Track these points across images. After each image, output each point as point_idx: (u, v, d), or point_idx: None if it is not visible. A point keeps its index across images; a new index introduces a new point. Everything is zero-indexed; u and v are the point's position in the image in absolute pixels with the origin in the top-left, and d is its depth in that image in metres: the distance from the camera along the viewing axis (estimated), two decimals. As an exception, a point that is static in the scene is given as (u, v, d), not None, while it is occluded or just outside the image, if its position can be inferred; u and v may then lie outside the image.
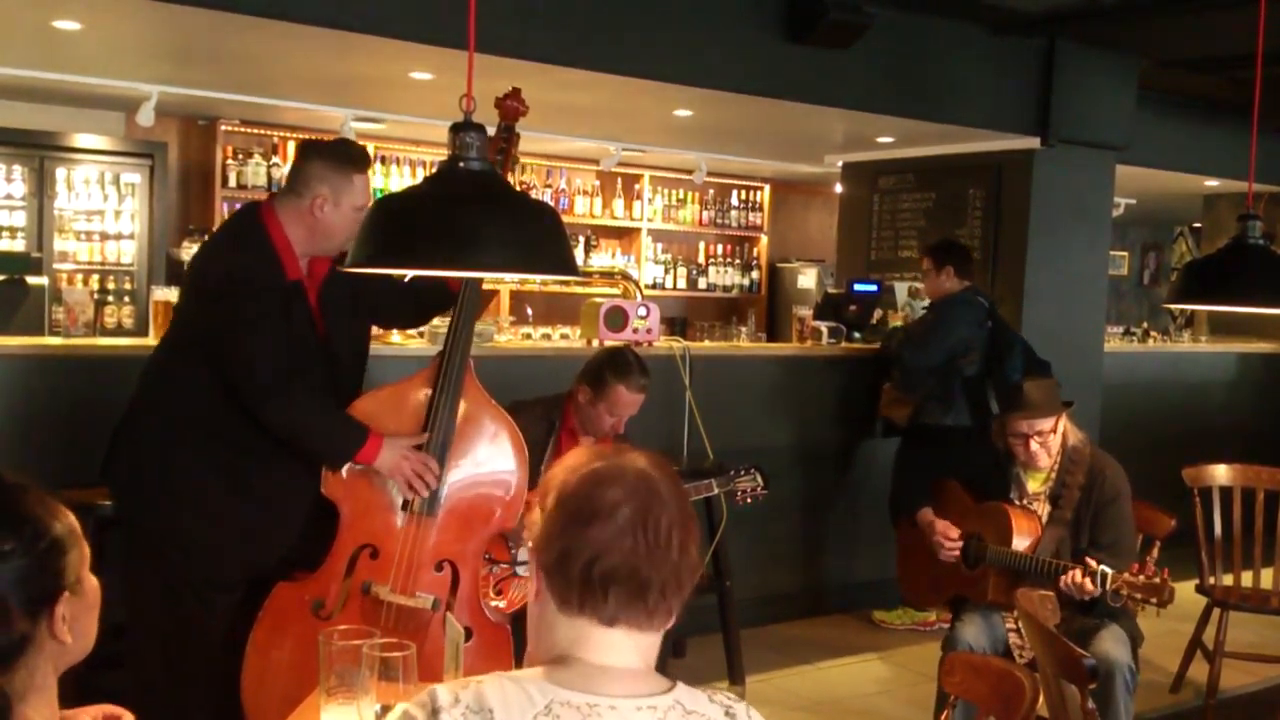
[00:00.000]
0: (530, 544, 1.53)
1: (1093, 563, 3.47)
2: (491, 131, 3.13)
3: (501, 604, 3.52)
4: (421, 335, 4.70)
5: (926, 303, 5.98)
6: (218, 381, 3.08)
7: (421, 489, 3.10)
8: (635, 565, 1.45)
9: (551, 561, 1.48)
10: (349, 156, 3.18)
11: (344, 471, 3.12)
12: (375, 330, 4.66)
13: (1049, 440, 3.75)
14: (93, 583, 1.52)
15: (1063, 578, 3.49)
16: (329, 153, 3.19)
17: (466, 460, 3.20)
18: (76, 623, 1.47)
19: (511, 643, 3.21)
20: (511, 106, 3.20)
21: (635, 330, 4.94)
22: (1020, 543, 3.73)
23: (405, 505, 3.15)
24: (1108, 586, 3.39)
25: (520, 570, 3.58)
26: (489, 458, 3.24)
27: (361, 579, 3.12)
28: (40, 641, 1.42)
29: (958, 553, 3.95)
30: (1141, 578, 3.33)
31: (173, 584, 3.12)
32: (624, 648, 1.48)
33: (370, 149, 7.47)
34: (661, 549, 1.46)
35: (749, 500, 4.33)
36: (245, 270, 3.07)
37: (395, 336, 4.59)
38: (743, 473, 4.31)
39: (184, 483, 3.11)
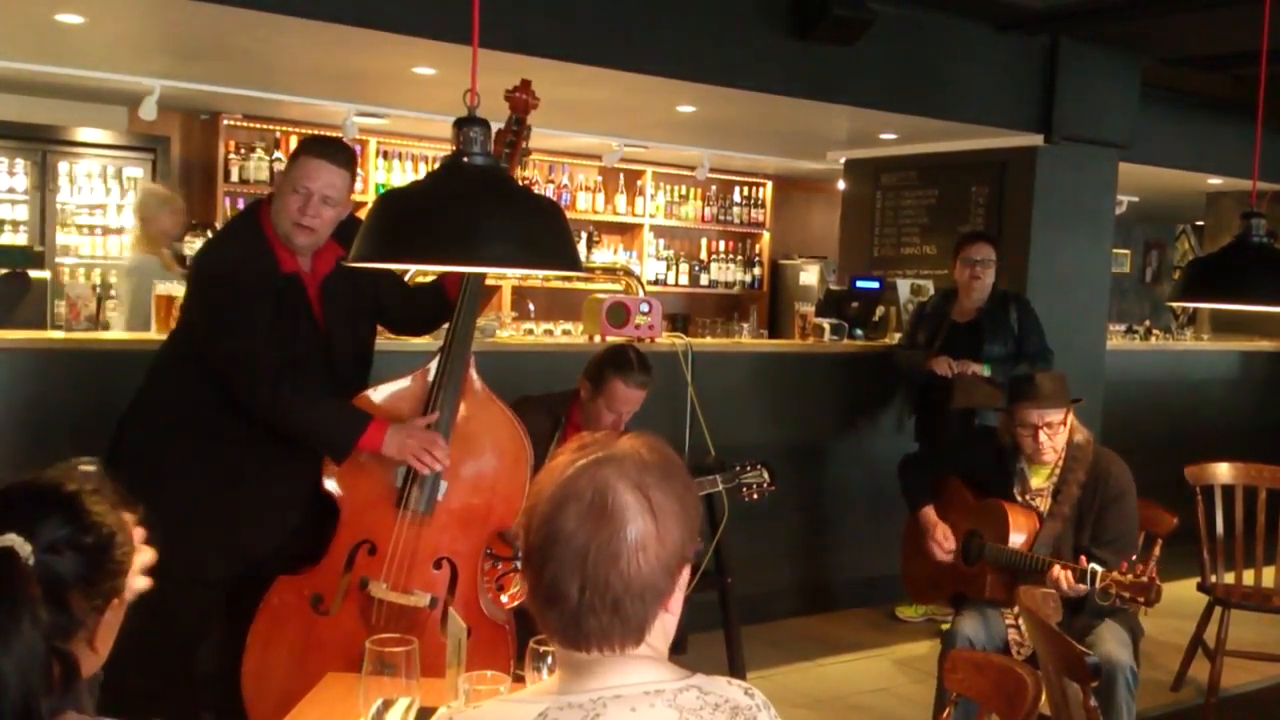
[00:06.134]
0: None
1: (1083, 560, 3.48)
2: (502, 124, 3.14)
3: (505, 598, 3.51)
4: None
5: (928, 299, 5.93)
6: (209, 377, 3.09)
7: (432, 464, 3.05)
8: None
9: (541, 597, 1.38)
10: (303, 143, 3.24)
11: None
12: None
13: (1057, 433, 3.75)
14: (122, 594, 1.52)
15: (1051, 574, 3.50)
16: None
17: (466, 457, 3.17)
18: (110, 630, 1.46)
19: (511, 642, 3.18)
20: (521, 99, 3.19)
21: (637, 326, 4.94)
22: (1017, 539, 3.74)
23: (401, 501, 3.11)
24: (1096, 585, 3.39)
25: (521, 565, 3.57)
26: (489, 455, 3.21)
27: (360, 575, 3.11)
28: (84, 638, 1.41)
29: (950, 559, 3.99)
30: (1130, 577, 3.33)
31: (154, 575, 3.09)
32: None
33: (373, 144, 7.49)
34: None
35: (755, 496, 4.27)
36: (234, 264, 3.08)
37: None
38: (749, 468, 4.24)
39: (174, 476, 3.10)
